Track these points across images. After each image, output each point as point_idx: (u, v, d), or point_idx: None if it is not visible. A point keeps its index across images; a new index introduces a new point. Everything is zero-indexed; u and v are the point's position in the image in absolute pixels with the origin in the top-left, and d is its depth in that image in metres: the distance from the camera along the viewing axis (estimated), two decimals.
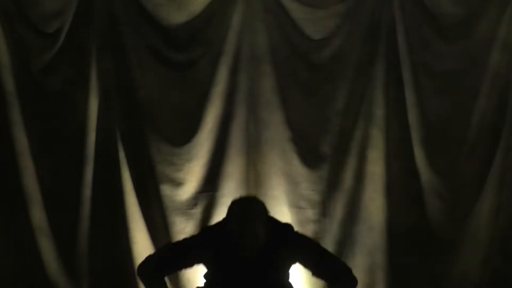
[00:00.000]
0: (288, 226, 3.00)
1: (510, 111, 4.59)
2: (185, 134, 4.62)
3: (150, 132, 4.60)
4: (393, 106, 4.61)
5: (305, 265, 2.97)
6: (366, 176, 4.60)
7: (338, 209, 4.59)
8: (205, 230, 3.14)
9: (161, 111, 4.60)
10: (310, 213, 4.60)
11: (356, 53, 4.61)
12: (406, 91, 4.61)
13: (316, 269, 2.96)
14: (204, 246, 2.93)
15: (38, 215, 4.55)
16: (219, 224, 3.03)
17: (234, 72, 4.61)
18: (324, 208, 4.59)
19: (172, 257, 2.99)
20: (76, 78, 4.59)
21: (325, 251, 3.01)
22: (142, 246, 4.54)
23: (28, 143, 4.56)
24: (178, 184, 4.60)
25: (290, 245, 2.93)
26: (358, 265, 4.49)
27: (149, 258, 3.02)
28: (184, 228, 4.56)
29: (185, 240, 3.05)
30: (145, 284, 3.02)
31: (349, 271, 2.95)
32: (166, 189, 4.58)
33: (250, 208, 2.94)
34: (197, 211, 4.59)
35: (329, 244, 4.42)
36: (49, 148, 4.58)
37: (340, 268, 2.95)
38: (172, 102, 4.60)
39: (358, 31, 4.62)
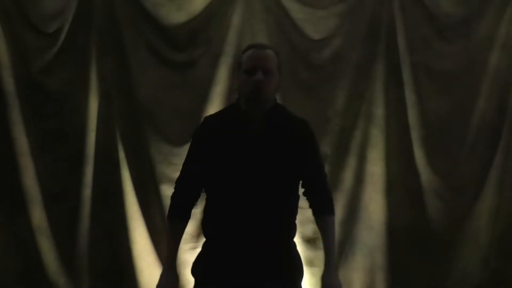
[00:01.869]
0: (306, 121, 2.81)
1: (510, 111, 4.59)
2: (185, 134, 4.61)
3: (150, 132, 4.60)
4: (393, 106, 4.62)
5: (303, 175, 2.76)
6: (366, 176, 4.60)
7: (338, 209, 4.58)
8: (206, 117, 2.91)
9: (161, 111, 4.60)
10: (310, 213, 4.60)
11: (356, 53, 4.62)
12: (406, 91, 4.61)
13: (310, 187, 2.79)
14: (206, 134, 2.75)
15: (38, 215, 4.56)
16: (221, 110, 2.93)
17: (234, 72, 4.62)
18: None
19: (191, 176, 2.81)
20: (76, 78, 4.59)
21: (324, 172, 2.84)
22: (142, 246, 4.54)
23: (28, 143, 4.56)
24: None
25: (303, 140, 2.74)
26: (358, 265, 4.49)
27: (173, 195, 2.88)
28: None
29: (191, 145, 2.86)
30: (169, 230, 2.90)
31: (331, 202, 2.81)
32: (166, 189, 4.58)
33: (262, 44, 2.92)
34: (197, 211, 4.56)
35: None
36: (49, 148, 4.58)
37: (327, 197, 2.80)
38: (172, 102, 4.60)
39: (358, 31, 4.62)
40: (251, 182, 2.65)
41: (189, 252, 4.49)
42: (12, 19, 4.57)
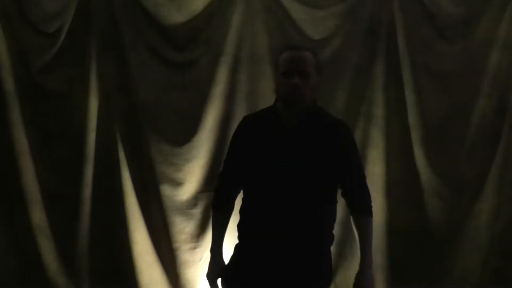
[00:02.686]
0: (345, 122, 2.83)
1: (510, 111, 4.59)
2: (185, 134, 4.62)
3: (150, 132, 4.60)
4: (393, 106, 4.62)
5: (343, 177, 2.73)
6: (366, 176, 4.59)
7: (338, 209, 4.58)
8: (245, 116, 2.93)
9: (161, 111, 4.60)
10: None
11: (356, 53, 4.62)
12: (406, 91, 4.61)
13: (349, 188, 2.77)
14: (244, 133, 2.80)
15: (38, 215, 4.56)
16: (262, 109, 2.92)
17: (234, 72, 4.62)
18: None
19: (232, 172, 2.83)
20: (76, 78, 4.59)
21: (364, 174, 2.83)
22: (142, 246, 4.54)
23: (28, 143, 4.56)
24: (178, 184, 4.60)
25: (343, 141, 2.72)
26: (358, 265, 4.48)
27: (217, 188, 2.89)
28: (184, 228, 4.56)
29: (229, 145, 2.90)
30: (213, 219, 2.88)
31: (370, 204, 2.81)
32: (166, 189, 4.58)
33: (299, 45, 2.98)
34: (197, 211, 4.59)
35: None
36: (49, 148, 4.58)
37: (367, 198, 2.80)
38: (172, 102, 4.60)
39: (358, 31, 4.62)
40: (287, 184, 2.64)
41: (189, 252, 4.50)
42: (12, 19, 4.57)
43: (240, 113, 4.59)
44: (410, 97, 4.61)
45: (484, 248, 4.56)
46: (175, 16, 4.61)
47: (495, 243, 4.56)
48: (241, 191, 2.86)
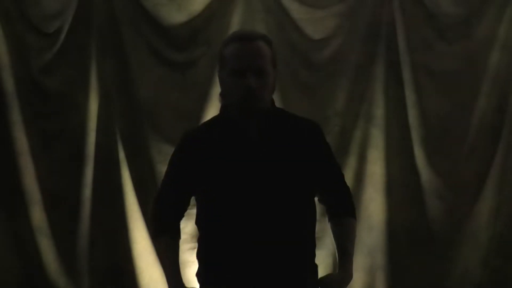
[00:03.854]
0: (313, 122, 2.36)
1: (510, 111, 4.59)
2: None
3: (150, 132, 4.60)
4: (393, 106, 4.61)
5: (318, 182, 2.31)
6: (366, 176, 4.60)
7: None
8: (187, 132, 2.46)
9: (161, 111, 4.60)
10: None
11: (356, 53, 4.61)
12: (406, 91, 4.61)
13: (326, 194, 2.37)
14: (190, 149, 2.30)
15: (38, 215, 4.55)
16: (201, 124, 2.50)
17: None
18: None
19: (174, 199, 2.41)
20: (76, 78, 4.59)
21: (341, 173, 2.42)
22: (142, 246, 4.54)
23: (28, 143, 4.55)
24: None
25: (313, 142, 2.27)
26: (358, 265, 4.48)
27: (156, 214, 2.46)
28: (184, 228, 4.50)
29: (170, 164, 2.39)
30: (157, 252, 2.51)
31: (353, 204, 2.42)
32: None
33: (249, 33, 2.37)
34: (194, 211, 4.59)
35: (329, 244, 4.41)
36: (49, 148, 4.58)
37: (349, 199, 2.40)
38: (172, 102, 4.60)
39: (358, 31, 4.62)
40: (260, 200, 2.18)
41: (188, 252, 4.49)
42: (12, 19, 4.57)
43: None
44: (410, 97, 4.61)
45: (484, 248, 4.56)
46: (175, 16, 4.61)
47: (495, 243, 4.56)
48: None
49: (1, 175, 4.59)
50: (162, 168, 4.59)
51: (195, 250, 2.49)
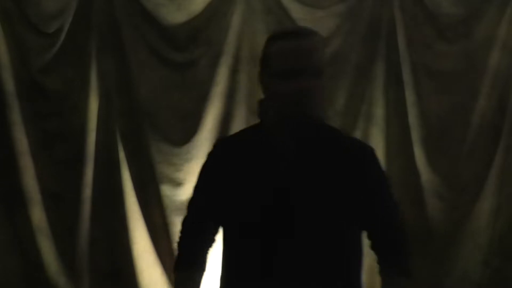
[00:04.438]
0: (366, 146, 2.01)
1: (510, 111, 4.59)
2: (185, 134, 4.62)
3: (150, 132, 4.60)
4: (393, 106, 4.61)
5: (367, 223, 1.96)
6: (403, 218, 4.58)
7: None
8: (219, 141, 2.18)
9: (161, 111, 4.60)
10: None
11: (356, 53, 4.61)
12: (406, 91, 4.61)
13: (374, 239, 2.01)
14: (223, 162, 1.99)
15: (38, 215, 4.55)
16: (240, 131, 2.18)
17: (234, 72, 4.62)
18: None
19: (205, 216, 2.07)
20: (76, 78, 4.59)
21: (399, 218, 2.07)
22: (142, 246, 4.54)
23: (28, 143, 4.55)
24: (178, 184, 4.60)
25: (366, 171, 1.92)
26: None
27: (182, 241, 2.12)
28: None
29: (201, 177, 2.07)
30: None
31: (405, 258, 2.05)
32: (166, 189, 4.58)
33: (298, 29, 1.98)
34: None
35: None
36: (49, 148, 4.58)
37: (400, 250, 2.04)
38: (172, 102, 4.60)
39: (358, 31, 4.61)
40: (284, 232, 1.87)
41: None
42: (12, 19, 4.56)
43: (240, 113, 4.60)
44: (410, 97, 4.61)
45: (484, 248, 4.56)
46: (175, 16, 4.60)
47: (495, 243, 4.56)
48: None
49: (1, 175, 4.59)
50: (162, 168, 4.61)
51: None
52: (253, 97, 4.60)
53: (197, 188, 2.11)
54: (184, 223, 2.13)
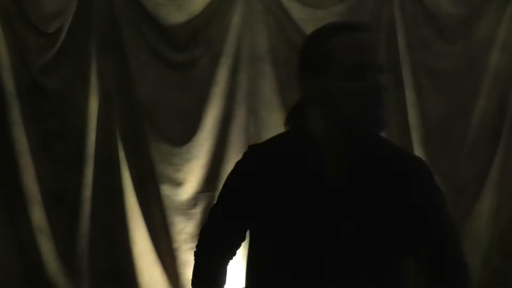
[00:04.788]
0: (421, 161, 1.80)
1: (510, 111, 4.59)
2: (185, 134, 4.62)
3: (150, 132, 4.60)
4: (393, 106, 4.61)
5: (421, 244, 1.74)
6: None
7: None
8: (252, 149, 1.87)
9: (161, 111, 4.60)
10: None
11: None
12: (406, 91, 4.61)
13: (433, 257, 1.75)
14: (253, 175, 1.77)
15: (38, 215, 4.55)
16: (274, 138, 1.88)
17: (234, 72, 4.62)
18: None
19: (228, 232, 1.91)
20: (76, 78, 4.58)
21: (457, 236, 1.85)
22: (142, 246, 4.54)
23: (28, 143, 4.55)
24: (178, 184, 4.60)
25: (421, 188, 1.72)
26: None
27: (200, 254, 2.00)
28: (184, 228, 4.56)
29: (229, 189, 1.91)
30: None
31: (467, 280, 1.87)
32: (166, 189, 4.58)
33: (358, 22, 1.71)
34: (197, 211, 4.59)
35: None
36: (49, 148, 4.58)
37: (462, 273, 1.85)
38: (172, 102, 4.60)
39: None
40: (335, 255, 1.69)
41: (189, 252, 4.49)
42: (12, 19, 4.56)
43: (240, 113, 4.60)
44: (410, 97, 4.61)
45: (484, 248, 4.56)
46: (175, 16, 4.60)
47: (495, 243, 4.56)
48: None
49: (1, 175, 4.59)
50: (162, 168, 4.60)
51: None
52: (253, 97, 4.61)
53: (224, 199, 1.94)
54: (205, 233, 1.98)
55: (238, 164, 1.88)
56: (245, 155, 1.88)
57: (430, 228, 1.75)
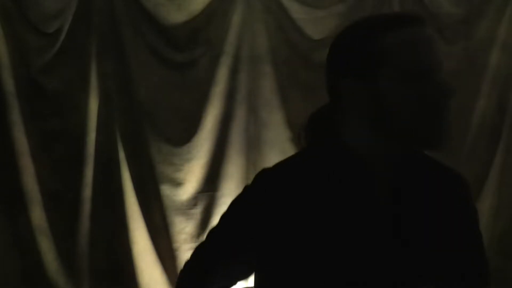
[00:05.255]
0: (460, 175, 1.64)
1: (510, 111, 4.59)
2: (185, 134, 4.62)
3: (150, 132, 4.60)
4: None
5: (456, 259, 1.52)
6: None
7: None
8: (265, 173, 1.54)
9: (161, 111, 4.60)
10: None
11: None
12: None
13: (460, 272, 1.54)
14: (269, 202, 1.46)
15: (38, 215, 4.55)
16: (288, 161, 1.55)
17: (234, 72, 4.62)
18: None
19: (220, 268, 1.66)
20: (76, 78, 4.58)
21: (486, 256, 1.67)
22: (142, 246, 4.54)
23: (28, 143, 4.55)
24: (178, 184, 4.60)
25: (461, 204, 1.59)
26: None
27: (185, 277, 1.79)
28: (184, 228, 4.56)
29: (230, 216, 1.61)
30: None
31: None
32: (166, 189, 4.58)
33: (417, 14, 1.42)
34: (197, 211, 4.59)
35: None
36: (49, 148, 4.58)
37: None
38: (172, 102, 4.60)
39: None
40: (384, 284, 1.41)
41: (189, 252, 4.48)
42: (12, 19, 4.56)
43: (240, 113, 4.60)
44: None
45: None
46: (175, 16, 4.60)
47: (495, 243, 4.56)
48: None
49: (1, 175, 4.59)
50: (162, 168, 4.60)
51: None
52: (253, 97, 4.61)
53: (229, 224, 1.61)
54: (200, 258, 1.71)
55: (249, 191, 1.56)
56: (258, 182, 1.55)
57: (467, 242, 1.60)
